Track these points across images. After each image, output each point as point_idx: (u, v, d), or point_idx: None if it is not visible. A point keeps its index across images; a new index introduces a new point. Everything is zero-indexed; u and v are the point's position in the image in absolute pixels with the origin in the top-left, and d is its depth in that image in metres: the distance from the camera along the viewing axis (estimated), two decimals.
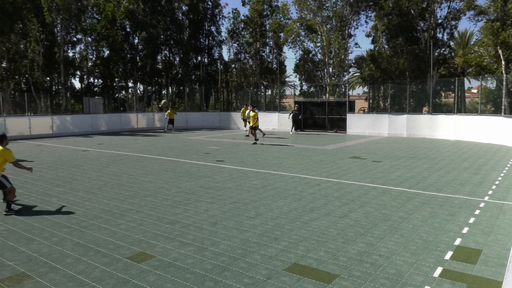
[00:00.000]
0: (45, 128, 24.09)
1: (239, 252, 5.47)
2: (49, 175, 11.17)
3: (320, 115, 27.42)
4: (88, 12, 36.28)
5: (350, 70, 42.45)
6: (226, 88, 42.13)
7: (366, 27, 49.87)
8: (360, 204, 7.88)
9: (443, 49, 34.00)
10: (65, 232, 6.27)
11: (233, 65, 44.86)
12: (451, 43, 34.38)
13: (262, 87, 39.90)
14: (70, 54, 36.98)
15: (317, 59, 38.83)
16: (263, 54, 42.15)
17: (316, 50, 38.54)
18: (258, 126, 19.75)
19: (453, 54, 33.91)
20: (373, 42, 36.36)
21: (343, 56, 35.08)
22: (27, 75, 33.37)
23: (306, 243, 5.78)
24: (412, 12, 31.65)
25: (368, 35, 36.80)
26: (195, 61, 41.80)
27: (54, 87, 37.45)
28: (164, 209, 7.57)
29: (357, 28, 46.56)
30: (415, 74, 31.87)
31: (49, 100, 32.36)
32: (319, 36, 36.69)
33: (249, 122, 20.47)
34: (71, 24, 33.38)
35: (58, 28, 33.47)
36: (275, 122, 28.57)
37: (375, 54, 34.49)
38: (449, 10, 32.04)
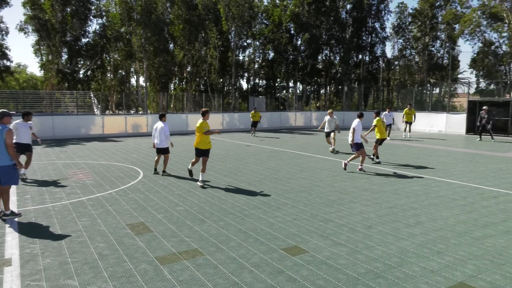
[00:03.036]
0: (217, 124, 27.24)
1: (395, 260, 5.14)
2: (218, 166, 12.58)
3: (501, 117, 23.50)
4: (258, 18, 39.38)
5: None
6: (387, 87, 40.06)
7: None
8: None
9: None
10: (230, 218, 6.97)
11: (396, 62, 42.37)
12: None
13: (429, 85, 36.49)
14: (241, 58, 40.85)
15: (501, 52, 33.41)
16: (433, 49, 38.59)
17: (501, 41, 33.20)
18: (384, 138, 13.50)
19: None
20: None
21: None
22: (205, 78, 38.32)
23: (477, 262, 5.05)
24: None
25: None
26: (355, 60, 41.02)
27: (225, 87, 42.03)
28: (318, 207, 7.68)
29: None
30: None
31: (221, 99, 36.48)
32: (505, 25, 31.48)
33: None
34: (243, 30, 36.80)
35: (232, 35, 37.34)
36: (442, 123, 25.78)
37: None
38: None
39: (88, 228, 6.39)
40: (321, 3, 37.53)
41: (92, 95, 32.80)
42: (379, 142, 13.12)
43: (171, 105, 45.88)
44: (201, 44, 36.94)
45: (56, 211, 7.37)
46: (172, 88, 44.22)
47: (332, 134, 15.81)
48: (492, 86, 36.18)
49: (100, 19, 38.80)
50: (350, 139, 11.58)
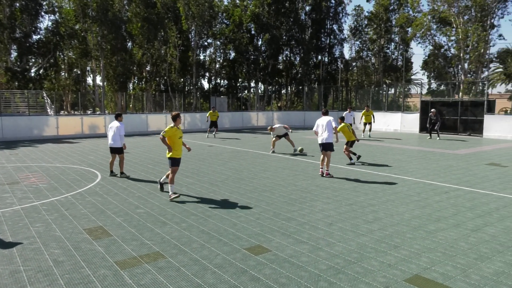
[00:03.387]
0: None
1: (355, 256, 5.30)
2: (180, 167, 12.39)
3: (450, 116, 24.85)
4: (219, 17, 39.18)
5: (491, 65, 37.53)
6: (345, 87, 41.18)
7: None
8: (499, 218, 6.90)
9: None
10: (192, 219, 6.89)
11: (354, 64, 43.61)
12: None
13: (385, 85, 37.90)
14: (201, 57, 40.47)
15: (450, 54, 35.28)
16: (388, 51, 40.05)
17: (450, 44, 35.08)
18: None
19: None
20: None
21: (482, 50, 31.18)
22: (165, 77, 37.64)
23: (431, 255, 5.30)
24: None
25: None
26: (315, 60, 41.81)
27: (186, 87, 41.49)
28: (280, 206, 7.76)
29: (502, 17, 40.65)
30: None
31: (182, 99, 35.96)
32: (453, 29, 33.27)
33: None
34: (203, 30, 36.48)
35: (193, 34, 36.92)
36: (397, 123, 26.87)
37: None
38: None
39: (42, 234, 6.09)
40: (281, 4, 37.96)
41: (45, 94, 31.29)
42: (349, 144, 13.05)
43: (130, 105, 44.68)
44: (161, 43, 36.24)
45: (7, 217, 6.96)
46: (131, 87, 43.09)
47: (286, 137, 15.61)
48: (442, 87, 38.13)
49: (52, 15, 37.12)
50: (324, 137, 10.51)
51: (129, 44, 38.45)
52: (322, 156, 10.87)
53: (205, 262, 5.09)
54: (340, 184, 9.75)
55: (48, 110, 28.54)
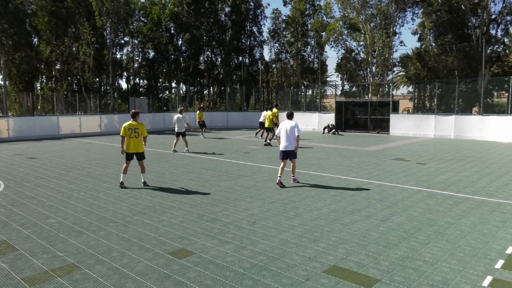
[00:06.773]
0: (94, 126, 25.30)
1: (277, 252, 5.46)
2: (97, 171, 11.70)
3: (362, 116, 26.82)
4: (136, 15, 37.64)
5: (395, 69, 41.26)
6: (266, 88, 42.23)
7: (413, 24, 48.46)
8: (403, 208, 7.62)
9: (497, 46, 32.19)
10: (111, 227, 6.55)
11: (274, 65, 44.86)
12: (506, 40, 32.44)
13: (303, 87, 39.60)
14: (118, 56, 38.54)
15: (360, 58, 38.00)
16: (304, 53, 41.85)
17: (359, 49, 37.77)
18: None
19: (507, 51, 31.99)
20: (419, 40, 35.14)
21: (387, 54, 34.08)
22: (78, 77, 35.20)
23: (346, 246, 5.67)
24: (463, 7, 30.16)
25: (414, 33, 35.64)
26: (236, 62, 42.21)
27: (102, 87, 39.22)
28: (204, 207, 7.71)
29: (402, 25, 45.17)
30: (465, 72, 30.38)
31: (98, 100, 33.92)
32: (362, 35, 35.89)
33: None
34: (119, 27, 34.78)
35: (108, 31, 35.00)
36: (315, 122, 28.26)
37: (422, 52, 33.24)
38: (504, 5, 30.28)
39: None
40: (200, 4, 37.70)
41: None
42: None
43: (39, 107, 40.98)
44: (72, 40, 33.79)
45: None
46: (39, 87, 39.55)
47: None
48: (354, 89, 40.91)
49: None
50: (288, 144, 9.43)
51: (35, 40, 35.25)
52: (282, 164, 9.58)
53: (125, 271, 4.86)
54: (262, 183, 9.97)
55: None
